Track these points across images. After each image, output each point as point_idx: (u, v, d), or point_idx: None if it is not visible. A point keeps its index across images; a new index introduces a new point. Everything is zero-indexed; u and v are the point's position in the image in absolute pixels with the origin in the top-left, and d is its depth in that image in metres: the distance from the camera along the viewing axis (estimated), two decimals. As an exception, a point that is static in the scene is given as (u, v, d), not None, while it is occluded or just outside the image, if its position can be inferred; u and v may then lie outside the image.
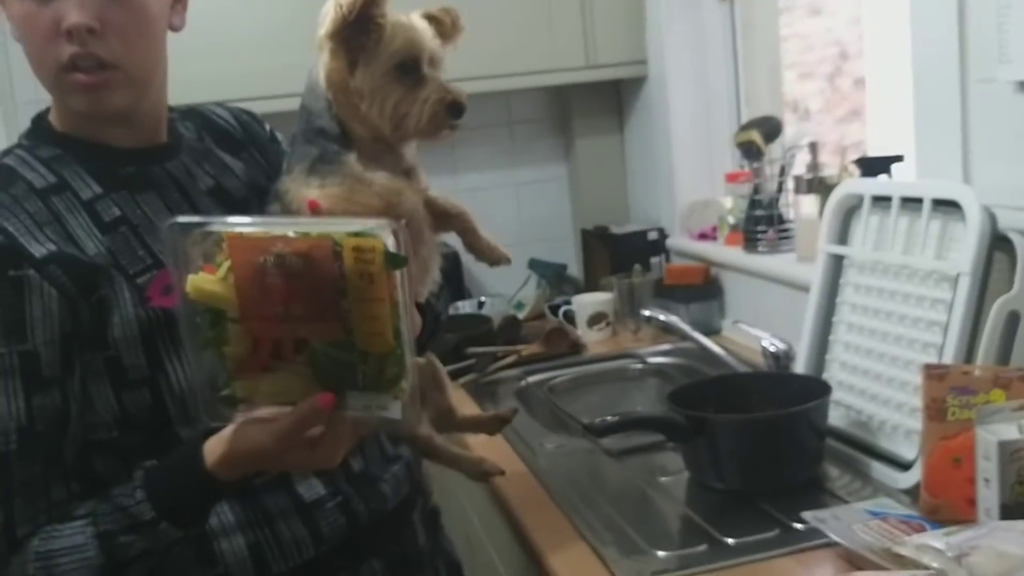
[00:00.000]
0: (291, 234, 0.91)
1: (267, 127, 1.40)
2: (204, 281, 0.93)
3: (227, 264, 0.92)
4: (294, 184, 1.16)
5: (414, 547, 1.33)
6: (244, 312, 0.93)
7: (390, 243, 0.90)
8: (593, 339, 2.49)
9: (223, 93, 2.40)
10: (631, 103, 2.87)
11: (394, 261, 0.90)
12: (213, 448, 1.00)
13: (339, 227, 0.91)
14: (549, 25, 2.63)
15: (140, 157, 1.17)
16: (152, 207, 1.14)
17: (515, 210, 3.06)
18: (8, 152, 1.15)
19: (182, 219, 0.95)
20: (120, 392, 1.08)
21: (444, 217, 1.28)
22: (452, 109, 1.17)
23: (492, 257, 1.33)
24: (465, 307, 2.74)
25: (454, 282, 2.82)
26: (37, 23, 1.06)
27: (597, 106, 2.95)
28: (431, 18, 1.21)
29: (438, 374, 1.44)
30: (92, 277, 1.06)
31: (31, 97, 2.62)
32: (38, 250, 1.04)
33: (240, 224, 0.95)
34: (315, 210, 1.07)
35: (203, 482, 1.00)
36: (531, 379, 2.24)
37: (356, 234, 0.89)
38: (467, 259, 2.81)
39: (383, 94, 1.15)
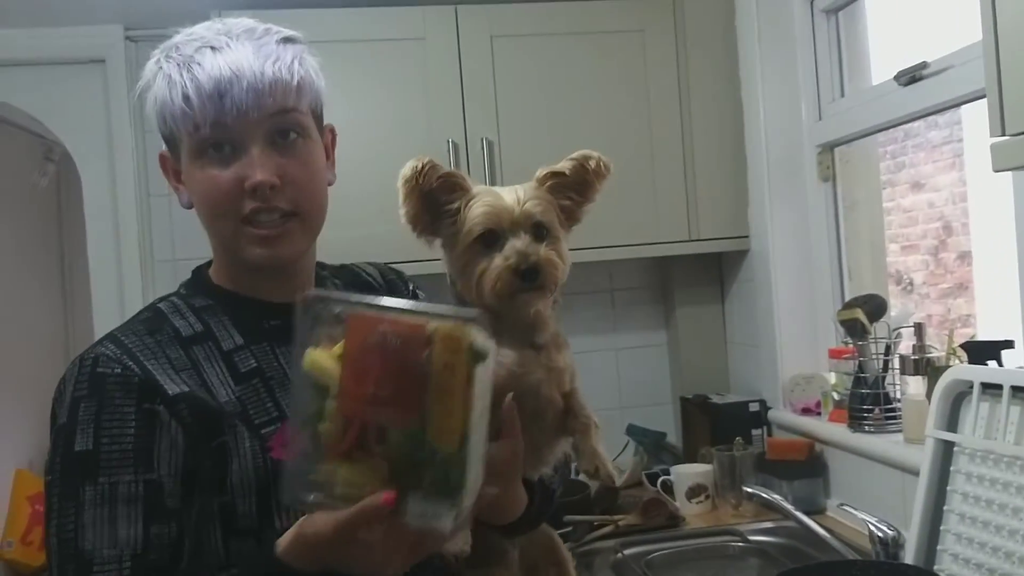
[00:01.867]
0: (402, 315, 0.91)
1: (411, 285, 1.44)
2: (319, 355, 0.92)
3: (343, 341, 0.91)
4: None
5: None
6: (342, 389, 0.90)
7: (479, 338, 0.89)
8: (692, 512, 2.45)
9: (378, 254, 2.56)
10: (732, 275, 2.91)
11: (477, 355, 0.89)
12: (287, 534, 1.01)
13: (445, 314, 0.90)
14: (654, 199, 2.72)
15: (286, 310, 1.10)
16: (288, 360, 1.16)
17: (615, 375, 3.08)
18: (165, 298, 1.23)
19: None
20: (229, 538, 1.11)
21: (569, 414, 1.21)
22: (524, 274, 1.11)
23: (597, 467, 1.17)
24: (563, 472, 2.73)
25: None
26: (219, 184, 1.14)
27: (698, 276, 3.00)
28: (554, 174, 1.19)
29: (557, 550, 1.36)
30: (216, 421, 1.10)
31: (167, 256, 2.85)
32: (171, 388, 1.10)
33: (365, 303, 0.94)
34: None
35: (275, 565, 1.00)
36: (628, 552, 2.21)
37: (449, 320, 0.89)
38: (566, 423, 2.86)
39: (469, 266, 1.14)
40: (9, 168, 3.87)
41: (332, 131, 1.28)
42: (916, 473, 1.80)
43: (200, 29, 1.16)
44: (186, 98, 1.10)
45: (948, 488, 1.63)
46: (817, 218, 2.60)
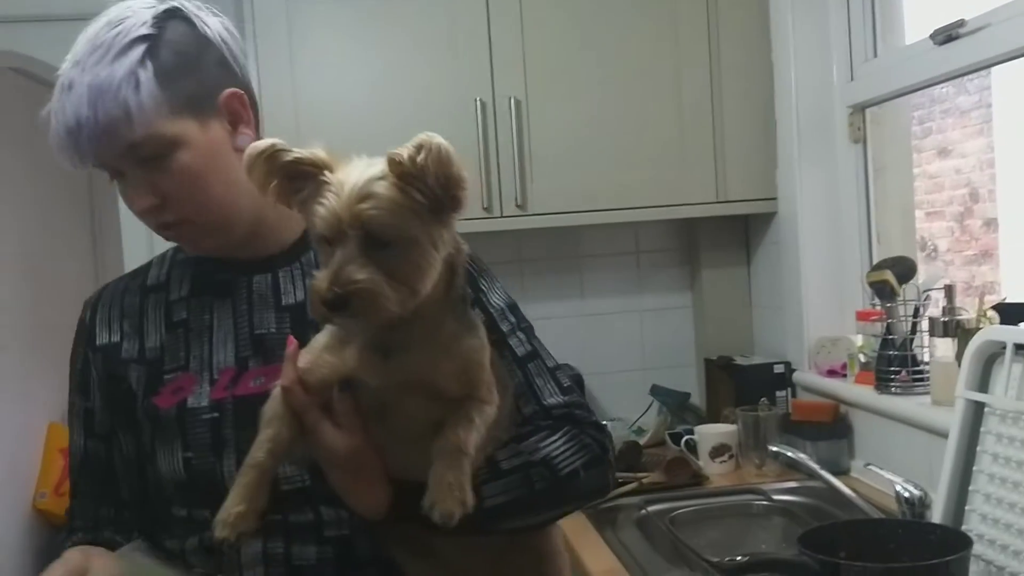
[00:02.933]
0: None
1: None
2: None
3: None
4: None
5: None
6: None
7: None
8: (715, 471, 2.47)
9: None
10: (759, 237, 2.90)
11: None
12: None
13: None
14: (682, 160, 2.71)
15: (237, 267, 1.26)
16: (220, 315, 1.23)
17: (639, 336, 3.09)
18: (171, 248, 1.33)
19: None
20: (143, 466, 1.25)
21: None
22: (330, 303, 0.93)
23: (433, 503, 0.99)
24: (587, 431, 2.75)
25: (576, 405, 2.84)
26: (126, 202, 1.20)
27: (724, 239, 2.99)
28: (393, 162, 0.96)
29: (547, 565, 1.24)
30: (114, 371, 1.25)
31: None
32: (101, 338, 1.27)
33: None
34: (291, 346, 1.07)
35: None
36: (651, 508, 2.22)
37: None
38: (591, 382, 2.88)
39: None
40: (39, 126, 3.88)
41: (236, 97, 1.20)
42: (943, 435, 1.80)
43: (76, 45, 1.15)
44: (57, 139, 1.14)
45: (978, 449, 1.63)
46: (847, 180, 2.58)
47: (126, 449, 1.25)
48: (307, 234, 1.22)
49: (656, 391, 2.92)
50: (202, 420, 1.16)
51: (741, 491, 2.34)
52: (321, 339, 1.05)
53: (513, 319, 1.25)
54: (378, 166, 0.96)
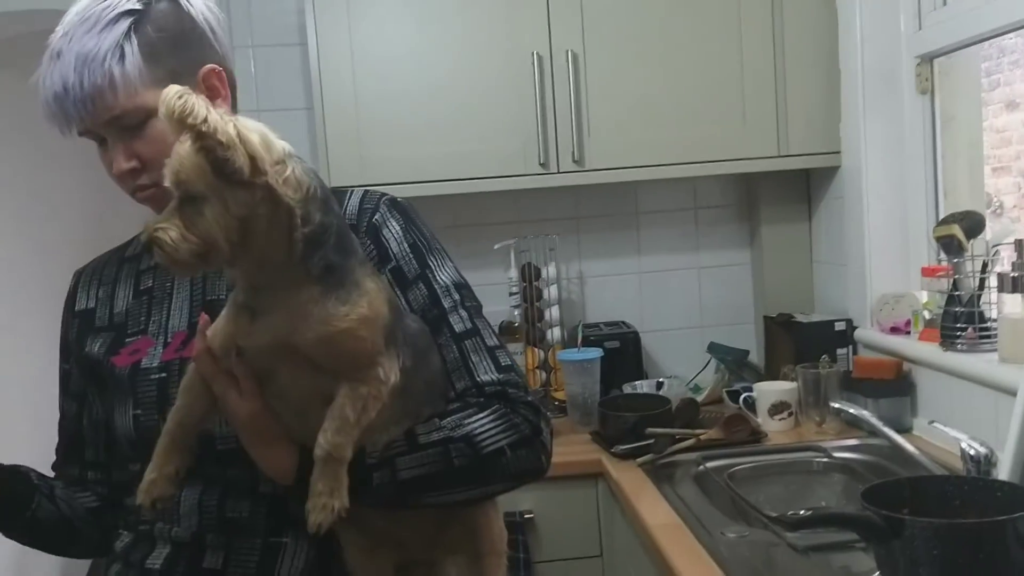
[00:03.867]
0: None
1: (374, 218, 1.27)
2: None
3: None
4: None
5: None
6: None
7: None
8: (773, 428, 2.45)
9: (459, 171, 2.58)
10: (821, 192, 2.85)
11: None
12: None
13: None
14: (743, 113, 2.66)
15: None
16: (180, 283, 1.29)
17: (696, 294, 3.06)
18: None
19: None
20: (104, 426, 1.33)
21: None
22: (146, 248, 1.01)
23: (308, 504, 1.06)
24: (643, 387, 2.74)
25: (631, 361, 2.84)
26: (107, 166, 1.25)
27: (785, 194, 2.94)
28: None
29: (479, 536, 1.24)
30: (86, 335, 1.32)
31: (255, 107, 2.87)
32: (80, 303, 1.36)
33: None
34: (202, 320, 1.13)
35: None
36: (709, 464, 2.21)
37: None
38: (647, 339, 2.87)
39: None
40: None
41: (215, 73, 1.25)
42: (1010, 392, 1.76)
43: (66, 16, 1.20)
44: (45, 105, 1.19)
45: (1047, 406, 1.59)
46: (913, 133, 2.52)
47: (96, 413, 1.34)
48: None
49: (714, 348, 2.90)
50: (151, 380, 1.22)
51: (801, 448, 2.31)
52: (224, 310, 1.11)
53: (458, 296, 1.24)
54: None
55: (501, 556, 1.25)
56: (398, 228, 1.26)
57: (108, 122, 1.19)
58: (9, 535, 1.30)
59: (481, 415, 1.16)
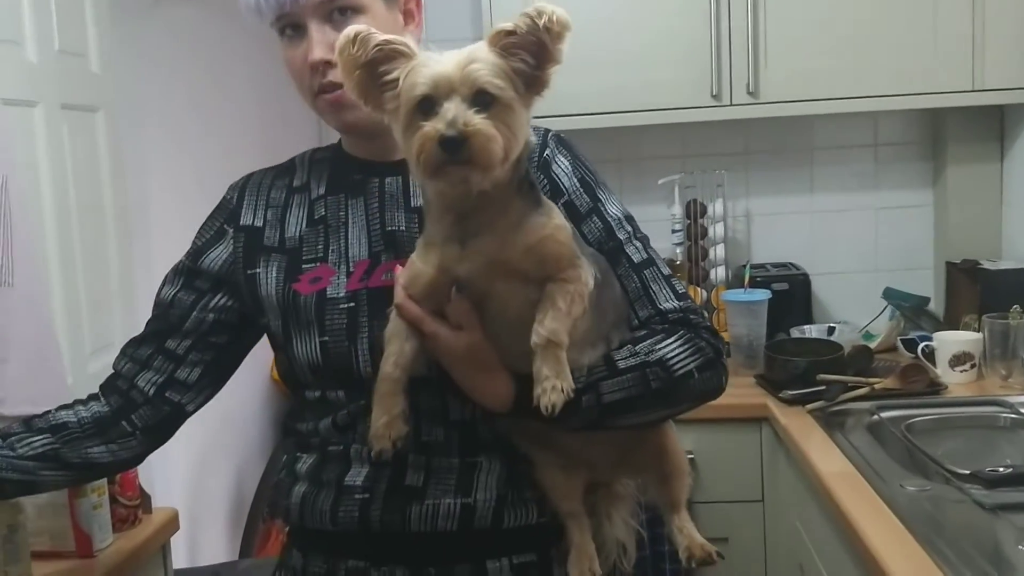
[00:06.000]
0: None
1: (544, 153, 1.30)
2: None
3: None
4: None
5: None
6: None
7: None
8: (954, 380, 2.31)
9: (630, 103, 2.52)
10: (1017, 130, 2.64)
11: None
12: None
13: None
14: (933, 42, 2.48)
15: (370, 168, 1.31)
16: (354, 212, 1.29)
17: (872, 236, 2.91)
18: (310, 150, 1.40)
19: None
20: (276, 351, 1.32)
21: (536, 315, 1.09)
22: (447, 144, 0.99)
23: (538, 395, 1.08)
24: (812, 331, 2.64)
25: (800, 304, 2.74)
26: (292, 63, 1.26)
27: (976, 131, 2.74)
28: (506, 32, 1.03)
29: (666, 457, 1.28)
30: (255, 255, 1.30)
31: (428, 37, 2.86)
32: (246, 219, 1.33)
33: None
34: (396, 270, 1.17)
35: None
36: (884, 415, 2.11)
37: None
38: (817, 282, 2.76)
39: (406, 140, 1.06)
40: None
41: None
42: None
43: None
44: None
45: None
46: None
47: (210, 307, 1.32)
48: None
49: (890, 294, 2.75)
50: (339, 308, 1.23)
51: (984, 402, 2.18)
52: (413, 255, 1.14)
53: (630, 228, 1.26)
54: (474, 44, 1.05)
55: (686, 475, 1.29)
56: (567, 163, 1.29)
57: (317, 5, 1.21)
58: None
59: (670, 340, 1.19)
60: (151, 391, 1.31)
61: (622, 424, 1.19)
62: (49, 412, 1.32)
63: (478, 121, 0.99)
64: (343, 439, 1.23)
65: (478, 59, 1.02)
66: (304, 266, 1.28)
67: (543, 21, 1.00)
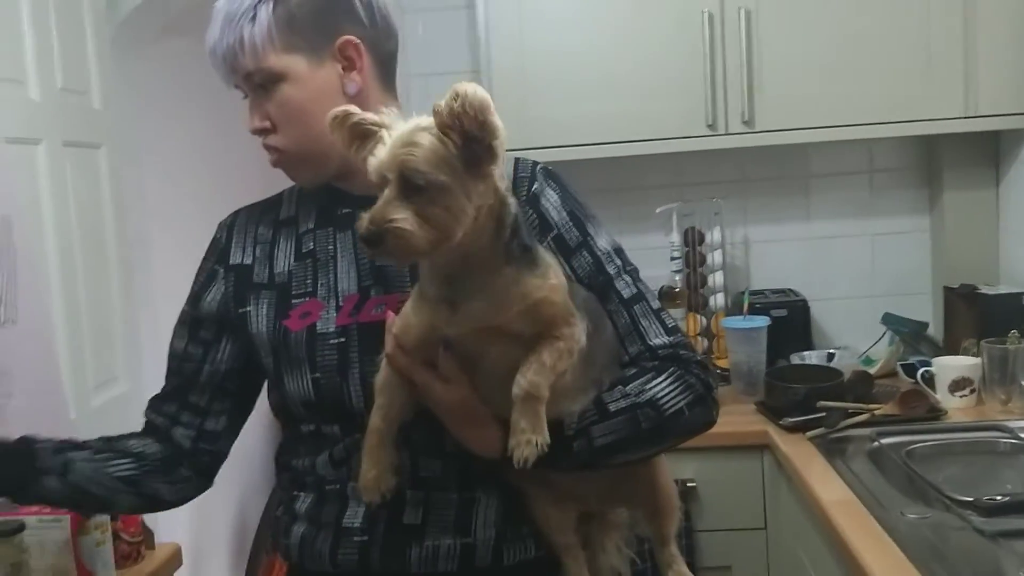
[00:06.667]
0: None
1: (533, 188, 1.28)
2: None
3: None
4: None
5: None
6: None
7: None
8: (954, 405, 2.32)
9: (632, 131, 2.54)
10: (1012, 155, 2.66)
11: None
12: None
13: None
14: (927, 71, 2.51)
15: (358, 201, 1.24)
16: (342, 246, 1.29)
17: (869, 261, 2.93)
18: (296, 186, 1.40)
19: None
20: (270, 389, 1.32)
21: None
22: (368, 240, 1.01)
23: (512, 449, 1.09)
24: (812, 358, 2.65)
25: (799, 330, 2.75)
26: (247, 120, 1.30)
27: (971, 157, 2.76)
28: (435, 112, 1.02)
29: (657, 494, 1.30)
30: (246, 293, 1.31)
31: (424, 70, 2.88)
32: (235, 258, 1.34)
33: None
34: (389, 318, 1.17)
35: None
36: (884, 441, 2.12)
37: None
38: (816, 308, 2.77)
39: None
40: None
41: (352, 44, 1.26)
42: None
43: None
44: (209, 59, 1.28)
45: None
46: (1123, 90, 2.31)
47: (219, 362, 1.34)
48: None
49: (889, 319, 2.77)
50: (330, 344, 1.23)
51: (984, 427, 2.18)
52: (407, 304, 1.14)
53: (619, 262, 1.27)
54: (424, 118, 1.04)
55: (675, 510, 1.31)
56: (556, 197, 1.28)
57: (244, 78, 1.26)
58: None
59: (660, 379, 1.20)
60: (188, 445, 1.34)
61: (614, 463, 1.20)
62: (123, 438, 1.35)
63: (393, 216, 0.99)
64: (339, 476, 1.23)
65: (413, 142, 1.01)
66: (294, 301, 1.28)
67: (457, 105, 0.98)
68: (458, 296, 1.08)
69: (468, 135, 1.00)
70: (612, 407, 1.17)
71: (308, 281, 1.28)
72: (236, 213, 1.40)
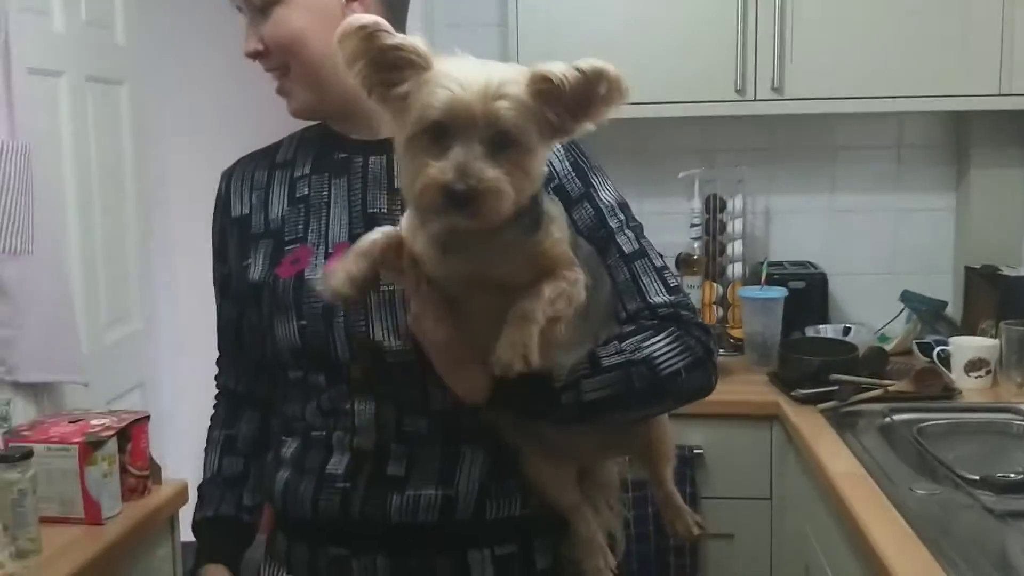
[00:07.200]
0: None
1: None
2: None
3: None
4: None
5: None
6: None
7: None
8: (969, 386, 2.30)
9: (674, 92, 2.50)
10: (1045, 136, 2.61)
11: None
12: None
13: None
14: (962, 47, 2.45)
15: (354, 147, 1.28)
16: (337, 191, 1.25)
17: (891, 238, 2.89)
18: (301, 128, 1.36)
19: None
20: (265, 333, 1.28)
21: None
22: (455, 196, 0.91)
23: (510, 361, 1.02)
24: (828, 331, 2.63)
25: (816, 303, 2.73)
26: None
27: (1002, 136, 2.72)
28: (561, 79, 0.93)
29: (657, 443, 1.28)
30: (247, 246, 1.28)
31: (452, 20, 2.83)
32: (235, 209, 1.32)
33: None
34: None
35: None
36: (896, 417, 2.10)
37: None
38: (834, 282, 2.74)
39: (404, 161, 0.98)
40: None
41: None
42: None
43: None
44: None
45: None
46: None
47: (252, 317, 1.30)
48: None
49: (908, 297, 2.73)
50: (316, 290, 1.18)
51: (998, 409, 2.17)
52: (405, 219, 1.08)
53: (622, 216, 1.22)
54: (506, 68, 0.95)
55: (672, 452, 1.29)
56: (560, 146, 1.23)
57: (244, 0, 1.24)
58: None
59: (657, 338, 1.16)
60: (261, 420, 1.38)
61: (605, 421, 1.16)
62: (237, 444, 1.39)
63: (490, 175, 0.91)
64: (325, 424, 1.21)
65: (507, 94, 0.92)
66: (286, 248, 1.25)
67: (602, 87, 0.92)
68: (451, 243, 1.02)
69: (561, 105, 0.94)
70: (605, 362, 1.13)
71: (300, 227, 1.25)
72: (237, 162, 1.37)
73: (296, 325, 1.21)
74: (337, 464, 1.20)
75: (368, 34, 0.95)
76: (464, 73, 0.93)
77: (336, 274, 1.06)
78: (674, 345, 1.16)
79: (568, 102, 0.95)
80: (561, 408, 1.11)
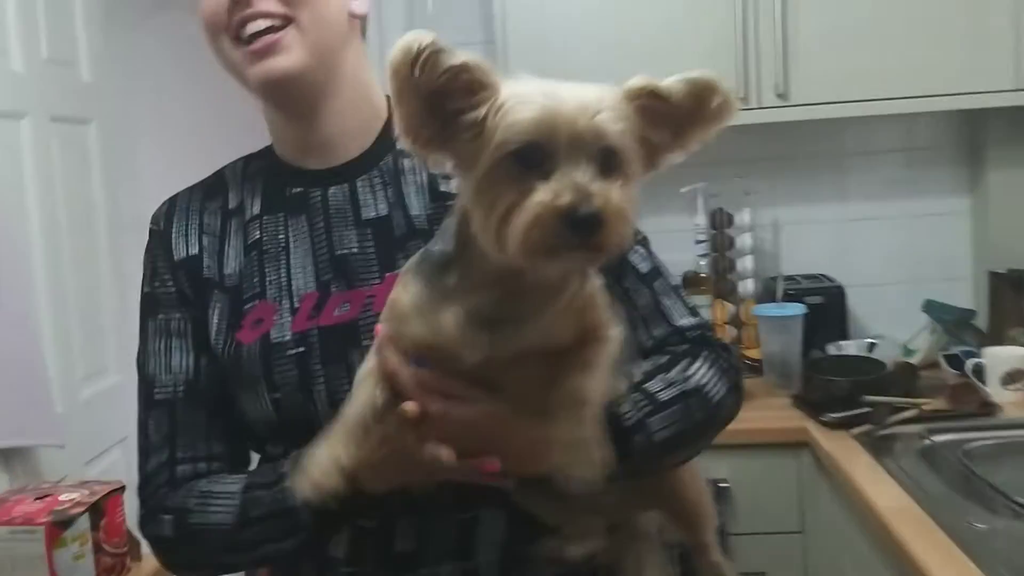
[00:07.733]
0: None
1: None
2: None
3: None
4: (401, 277, 0.92)
5: None
6: None
7: None
8: (1008, 399, 2.16)
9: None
10: (1064, 131, 2.49)
11: None
12: None
13: None
14: (973, 41, 2.33)
15: (310, 178, 1.12)
16: (296, 232, 1.10)
17: (908, 245, 2.76)
18: (241, 159, 1.19)
19: None
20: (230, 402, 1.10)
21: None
22: (577, 222, 0.73)
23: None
24: (851, 348, 2.49)
25: (835, 318, 2.59)
26: (207, 6, 1.05)
27: (1018, 134, 2.59)
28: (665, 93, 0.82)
29: (692, 509, 1.11)
30: (204, 290, 1.10)
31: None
32: (179, 252, 1.12)
33: None
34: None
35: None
36: (937, 439, 1.96)
37: None
38: (852, 295, 2.60)
39: (491, 196, 0.78)
40: None
41: None
42: None
43: None
44: None
45: None
46: None
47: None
48: (385, 137, 1.11)
49: (931, 307, 2.60)
50: (287, 356, 1.03)
51: (1043, 424, 2.03)
52: (406, 298, 0.88)
53: None
54: (591, 85, 0.80)
55: (710, 512, 1.13)
56: None
57: None
58: None
59: (697, 364, 1.05)
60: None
61: (666, 464, 1.04)
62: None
63: (616, 196, 0.75)
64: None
65: (610, 106, 0.78)
66: (244, 307, 1.08)
67: (714, 101, 0.81)
68: (506, 316, 0.84)
69: (663, 123, 0.82)
70: (662, 396, 1.00)
71: (255, 280, 1.08)
72: (172, 200, 1.17)
73: (268, 399, 1.04)
74: (337, 544, 1.04)
75: (431, 58, 0.77)
76: (549, 89, 0.78)
77: (318, 466, 0.88)
78: (713, 370, 1.06)
79: (669, 121, 0.83)
80: (635, 454, 0.96)
